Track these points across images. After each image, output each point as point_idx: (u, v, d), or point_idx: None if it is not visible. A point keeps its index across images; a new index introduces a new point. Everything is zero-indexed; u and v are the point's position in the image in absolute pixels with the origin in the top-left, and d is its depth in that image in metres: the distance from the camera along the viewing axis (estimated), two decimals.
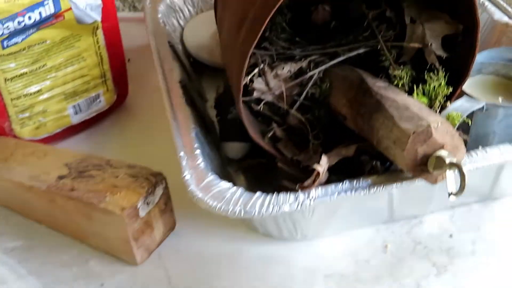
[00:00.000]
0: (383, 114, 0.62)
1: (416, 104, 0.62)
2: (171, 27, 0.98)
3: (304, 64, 0.75)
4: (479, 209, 0.73)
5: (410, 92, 0.68)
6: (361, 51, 0.73)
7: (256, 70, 0.71)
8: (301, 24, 0.82)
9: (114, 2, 0.85)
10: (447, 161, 0.55)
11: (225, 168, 0.79)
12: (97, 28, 0.83)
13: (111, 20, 0.86)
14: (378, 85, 0.67)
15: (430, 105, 0.67)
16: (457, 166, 0.54)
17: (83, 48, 0.83)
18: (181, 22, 1.02)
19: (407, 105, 0.61)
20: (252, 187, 0.74)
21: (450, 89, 0.67)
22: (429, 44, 0.67)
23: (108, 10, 0.84)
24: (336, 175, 0.67)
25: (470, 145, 0.69)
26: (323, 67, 0.73)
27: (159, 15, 0.96)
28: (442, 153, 0.56)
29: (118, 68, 0.90)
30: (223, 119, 0.83)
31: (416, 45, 0.68)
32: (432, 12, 0.69)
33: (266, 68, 0.72)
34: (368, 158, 0.67)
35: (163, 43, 0.87)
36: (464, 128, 0.67)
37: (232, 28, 0.70)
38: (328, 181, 0.65)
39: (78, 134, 0.89)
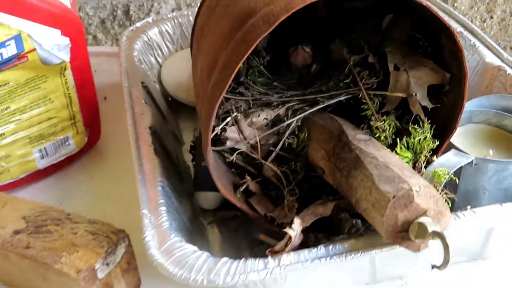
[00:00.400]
0: (362, 172, 0.56)
1: (398, 162, 0.56)
2: (148, 65, 0.93)
3: (281, 111, 0.70)
4: (469, 268, 0.68)
5: (393, 145, 0.63)
6: (342, 98, 0.68)
7: (229, 119, 0.66)
8: (280, 66, 0.77)
9: (85, 40, 0.80)
10: (430, 229, 0.49)
11: (198, 220, 0.74)
12: (65, 68, 0.78)
13: (81, 59, 0.81)
14: (359, 137, 0.62)
15: (415, 160, 0.62)
16: (440, 236, 0.49)
17: (50, 89, 0.78)
18: (159, 60, 0.97)
19: (387, 163, 0.56)
20: (225, 242, 0.69)
21: (437, 143, 0.62)
22: (414, 94, 0.62)
23: (77, 49, 0.79)
24: (313, 233, 0.62)
25: (459, 203, 0.64)
26: (302, 115, 0.68)
27: (135, 53, 0.90)
28: (425, 220, 0.50)
29: (89, 109, 0.85)
30: (198, 166, 0.78)
31: (400, 94, 0.63)
32: (417, 58, 0.64)
33: (240, 116, 0.67)
34: (348, 216, 0.62)
35: (136, 84, 0.82)
36: (453, 183, 0.62)
37: (204, 72, 0.66)
38: (304, 242, 0.60)
39: (45, 178, 0.84)
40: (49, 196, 0.80)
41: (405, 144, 0.62)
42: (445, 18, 0.90)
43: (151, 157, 0.68)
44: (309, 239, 0.62)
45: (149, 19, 0.98)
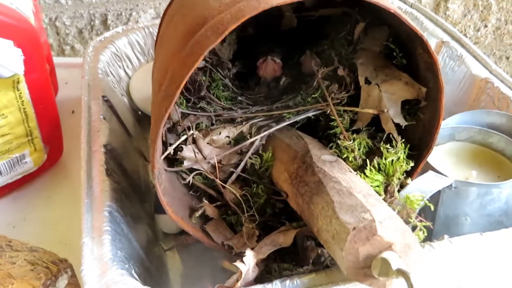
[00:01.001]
0: (323, 198, 0.50)
1: (363, 187, 0.50)
2: (115, 78, 0.87)
3: (245, 128, 0.64)
4: None
5: (364, 167, 0.56)
6: (310, 114, 0.62)
7: (184, 137, 0.60)
8: (247, 79, 0.71)
9: (41, 52, 0.75)
10: (394, 266, 0.43)
11: (157, 247, 0.68)
12: (19, 81, 0.72)
13: (39, 72, 0.75)
14: (324, 158, 0.55)
15: (387, 184, 0.55)
16: (404, 275, 0.42)
17: (2, 104, 0.73)
18: (129, 72, 0.91)
19: (352, 189, 0.49)
20: (186, 269, 0.64)
21: (411, 164, 0.56)
22: (386, 110, 0.56)
23: (33, 61, 0.73)
24: (276, 262, 0.55)
25: (439, 230, 0.57)
26: (266, 132, 0.62)
27: (101, 65, 0.84)
28: (389, 255, 0.44)
29: (49, 125, 0.79)
30: None
31: (371, 110, 0.57)
32: (391, 71, 0.58)
33: (198, 134, 0.61)
34: (313, 245, 0.55)
35: (96, 98, 0.76)
36: (430, 208, 0.55)
37: (155, 86, 0.60)
38: (268, 272, 0.54)
39: (2, 198, 0.78)
40: (1, 218, 0.73)
41: (376, 166, 0.55)
42: (431, 27, 0.84)
43: (102, 178, 0.62)
44: (272, 270, 0.56)
45: (119, 29, 0.92)
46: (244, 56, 0.72)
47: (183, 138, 0.60)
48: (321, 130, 0.63)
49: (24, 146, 0.78)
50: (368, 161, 0.57)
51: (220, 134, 0.63)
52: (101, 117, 0.73)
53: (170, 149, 0.58)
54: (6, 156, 0.76)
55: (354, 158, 0.56)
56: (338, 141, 0.57)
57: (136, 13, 1.18)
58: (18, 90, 0.74)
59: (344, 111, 0.60)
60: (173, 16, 0.65)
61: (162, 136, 0.64)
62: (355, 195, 0.48)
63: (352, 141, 0.56)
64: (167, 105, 0.51)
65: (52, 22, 1.19)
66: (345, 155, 0.56)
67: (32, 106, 0.77)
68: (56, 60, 1.05)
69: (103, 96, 0.78)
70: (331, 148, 0.59)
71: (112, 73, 0.87)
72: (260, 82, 0.69)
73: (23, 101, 0.75)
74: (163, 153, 0.59)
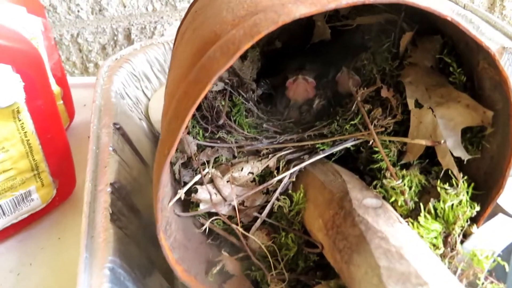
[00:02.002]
0: (366, 260, 0.39)
1: (418, 246, 0.39)
2: (132, 100, 0.78)
3: (271, 162, 0.53)
4: None
5: (416, 211, 0.45)
6: (348, 145, 0.51)
7: (197, 177, 0.49)
8: (275, 101, 0.61)
9: (46, 76, 0.66)
10: None
11: None
12: (19, 111, 0.64)
13: (43, 98, 0.67)
14: (367, 203, 0.44)
15: (446, 233, 0.44)
16: None
17: (2, 136, 0.64)
18: (147, 93, 0.82)
19: (402, 249, 0.38)
20: None
21: (477, 208, 0.44)
22: (443, 141, 0.44)
23: (36, 87, 0.65)
24: None
25: None
26: (296, 168, 0.51)
27: (115, 87, 0.75)
28: None
29: (57, 156, 0.71)
30: None
31: (423, 142, 0.45)
32: (447, 91, 0.47)
33: (215, 172, 0.51)
34: None
35: (107, 125, 0.67)
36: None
37: (163, 114, 0.50)
38: None
39: (3, 242, 0.69)
40: (5, 264, 0.65)
41: (432, 211, 0.44)
42: (489, 31, 0.71)
43: (106, 226, 0.53)
44: None
45: (136, 45, 0.83)
46: (271, 73, 0.61)
47: (197, 178, 0.49)
48: (362, 163, 0.51)
49: (29, 181, 0.69)
50: (421, 205, 0.45)
51: (242, 170, 0.52)
52: (111, 148, 0.63)
53: (180, 193, 0.48)
54: (9, 194, 0.68)
55: (404, 202, 0.44)
56: (384, 181, 0.45)
57: (161, 25, 1.09)
58: (20, 120, 0.65)
59: (390, 141, 0.48)
60: (185, 32, 0.56)
61: (175, 174, 0.54)
62: (407, 258, 0.37)
63: (400, 180, 0.45)
64: (169, 145, 0.41)
65: (74, 38, 1.11)
66: (392, 199, 0.45)
67: (37, 137, 0.68)
68: (73, 80, 0.97)
69: (114, 124, 0.68)
70: (375, 187, 0.47)
71: (128, 95, 0.78)
72: (290, 104, 0.59)
73: (25, 132, 0.67)
74: (173, 196, 0.49)
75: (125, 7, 1.09)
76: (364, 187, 0.47)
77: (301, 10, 0.38)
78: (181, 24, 0.62)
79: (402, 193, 0.45)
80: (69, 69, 1.16)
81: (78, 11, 1.09)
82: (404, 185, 0.45)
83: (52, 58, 0.82)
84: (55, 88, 0.82)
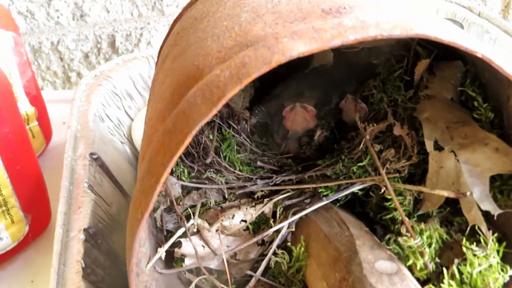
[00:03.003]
0: None
1: None
2: (113, 122, 0.71)
3: (267, 208, 0.46)
4: None
5: (437, 274, 0.38)
6: (355, 189, 0.44)
7: (181, 231, 0.43)
8: (270, 130, 0.54)
9: (13, 99, 0.59)
10: None
11: None
12: None
13: (10, 125, 0.60)
14: (380, 268, 0.38)
15: None
16: None
17: None
18: (131, 113, 0.75)
19: None
20: None
21: (510, 271, 0.37)
22: (468, 193, 0.38)
23: (0, 113, 0.58)
24: None
25: None
26: (296, 217, 0.44)
27: (92, 108, 0.69)
28: None
29: (29, 189, 0.64)
30: None
31: (445, 193, 0.39)
32: (472, 130, 0.40)
33: (201, 223, 0.44)
34: None
35: (82, 156, 0.60)
36: None
37: (139, 159, 0.44)
38: None
39: None
40: None
41: (457, 275, 0.37)
42: (508, 42, 0.64)
43: (77, 284, 0.46)
44: None
45: (118, 60, 0.76)
46: (266, 99, 0.54)
47: (180, 231, 0.43)
48: (372, 210, 0.45)
49: None
50: (443, 267, 0.39)
51: (233, 217, 0.46)
52: (86, 185, 0.57)
53: (161, 253, 0.41)
54: None
55: (424, 265, 0.38)
56: (400, 239, 0.39)
57: (147, 32, 1.03)
58: None
59: (405, 189, 0.42)
60: (167, 56, 0.49)
61: (156, 221, 0.47)
62: None
63: (419, 239, 0.38)
64: (143, 208, 0.35)
65: (54, 46, 1.04)
66: (410, 261, 0.38)
67: (5, 170, 0.62)
68: (51, 95, 0.91)
69: (91, 154, 0.62)
70: (387, 242, 0.41)
71: (109, 117, 0.71)
72: (288, 135, 0.52)
73: None
74: (153, 253, 0.43)
75: (108, 12, 1.02)
76: (375, 244, 0.41)
77: (299, 48, 0.31)
78: (163, 44, 0.55)
79: (422, 254, 0.38)
80: (50, 78, 1.09)
81: (58, 17, 1.02)
82: (423, 244, 0.39)
83: (24, 76, 0.75)
84: (29, 109, 0.75)
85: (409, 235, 0.40)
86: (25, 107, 0.74)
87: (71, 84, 1.11)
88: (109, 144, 0.68)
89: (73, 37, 1.06)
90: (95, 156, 0.62)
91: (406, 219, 0.40)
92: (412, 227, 0.40)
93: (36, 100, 0.78)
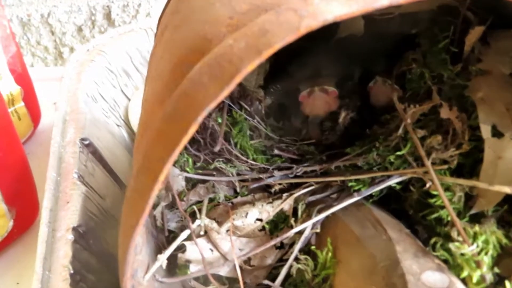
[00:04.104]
0: None
1: None
2: (108, 103, 0.65)
3: (287, 204, 0.40)
4: None
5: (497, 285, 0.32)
6: (392, 182, 0.38)
7: (184, 233, 0.37)
8: (288, 111, 0.48)
9: None
10: None
11: None
12: None
13: None
14: (428, 281, 0.33)
15: None
16: None
17: None
18: (127, 92, 0.69)
19: None
20: None
21: None
22: None
23: None
24: None
25: None
26: (322, 216, 0.38)
27: (84, 88, 0.62)
28: None
29: (13, 180, 0.59)
30: None
31: (507, 190, 0.32)
32: None
33: (209, 223, 0.38)
34: None
35: (72, 143, 0.54)
36: None
37: (135, 151, 0.38)
38: None
39: None
40: None
41: None
42: None
43: None
44: None
45: (113, 33, 0.70)
46: (282, 75, 0.48)
47: (184, 234, 0.37)
48: (412, 207, 0.39)
49: None
50: (503, 278, 0.32)
51: (246, 216, 0.40)
52: (76, 175, 0.51)
53: (161, 261, 0.35)
54: None
55: (482, 278, 0.32)
56: (451, 245, 0.32)
57: (146, 2, 0.96)
58: None
59: (455, 184, 0.35)
60: (166, 27, 0.42)
61: (156, 220, 0.41)
62: None
63: (475, 245, 0.32)
64: (138, 213, 0.29)
65: (44, 19, 0.98)
66: (465, 273, 0.32)
67: None
68: (40, 73, 0.84)
69: (82, 140, 0.55)
70: (433, 247, 0.35)
71: (102, 97, 0.65)
72: (308, 120, 0.46)
73: None
74: (152, 260, 0.37)
75: None
76: (420, 251, 0.35)
77: (335, 10, 0.25)
78: (163, 12, 0.49)
79: (479, 265, 0.32)
80: (40, 54, 1.03)
81: None
82: (480, 250, 0.33)
83: (8, 51, 0.69)
84: (14, 88, 0.69)
85: (461, 239, 0.33)
86: (9, 86, 0.68)
87: (64, 60, 1.05)
88: (103, 128, 0.61)
89: (64, 8, 0.99)
90: (86, 142, 0.56)
91: (458, 220, 0.34)
92: (464, 229, 0.34)
93: (22, 78, 0.71)
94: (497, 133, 0.35)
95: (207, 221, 0.39)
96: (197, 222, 0.39)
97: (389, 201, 0.41)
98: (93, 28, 1.02)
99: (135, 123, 0.67)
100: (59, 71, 0.89)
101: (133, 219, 0.29)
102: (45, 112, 0.79)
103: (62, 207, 0.49)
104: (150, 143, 0.30)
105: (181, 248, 0.40)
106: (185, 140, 0.27)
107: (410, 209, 0.40)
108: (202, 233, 0.39)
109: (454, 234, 0.35)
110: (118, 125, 0.66)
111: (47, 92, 0.81)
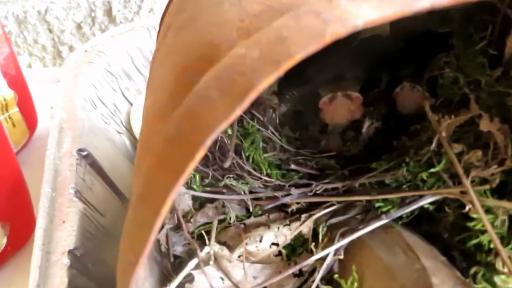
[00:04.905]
0: None
1: None
2: (108, 108, 0.62)
3: (306, 227, 0.37)
4: None
5: None
6: (424, 203, 0.34)
7: (192, 263, 0.34)
8: (305, 120, 0.44)
9: None
10: None
11: None
12: None
13: None
14: None
15: None
16: None
17: None
18: (129, 96, 0.66)
19: None
20: None
21: None
22: None
23: None
24: None
25: None
26: (346, 241, 0.35)
27: (82, 91, 0.59)
28: None
29: (6, 192, 0.55)
30: None
31: None
32: None
33: (219, 250, 0.35)
34: None
35: (68, 154, 0.51)
36: None
37: (135, 170, 0.34)
38: None
39: None
40: None
41: None
42: None
43: None
44: None
45: (113, 32, 0.67)
46: (297, 80, 0.44)
47: (191, 263, 0.34)
48: (447, 230, 0.35)
49: None
50: None
51: (261, 240, 0.37)
52: (72, 191, 0.48)
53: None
54: None
55: None
56: (496, 279, 0.29)
57: None
58: None
59: (498, 207, 0.32)
60: (168, 28, 0.39)
61: (160, 244, 0.38)
62: None
63: None
64: (138, 249, 0.25)
65: (41, 16, 0.95)
66: None
67: None
68: (38, 74, 0.82)
69: (79, 151, 0.52)
70: (474, 278, 0.31)
71: (102, 102, 0.62)
72: (328, 129, 0.42)
73: None
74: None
75: None
76: (458, 283, 0.31)
77: (366, 14, 0.22)
78: (165, 11, 0.46)
79: None
80: (38, 53, 1.00)
81: None
82: None
83: (1, 52, 0.66)
84: (7, 93, 0.66)
85: (507, 271, 0.30)
86: (2, 91, 0.65)
87: (63, 60, 1.02)
88: (102, 136, 0.58)
89: (62, 4, 0.96)
90: (84, 153, 0.53)
91: (502, 248, 0.30)
92: (510, 258, 0.31)
93: (16, 81, 0.68)
94: None
95: (217, 247, 0.36)
96: (206, 249, 0.36)
97: (420, 222, 0.38)
98: (93, 26, 0.99)
99: (137, 130, 0.64)
100: (57, 72, 0.86)
101: (132, 256, 0.26)
102: (43, 117, 0.75)
103: (58, 226, 0.46)
104: (151, 169, 0.27)
105: (189, 277, 0.37)
106: (191, 167, 0.24)
107: (445, 232, 0.37)
108: (211, 262, 0.36)
109: (498, 265, 0.31)
110: (119, 132, 0.63)
111: (44, 95, 0.78)
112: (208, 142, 0.23)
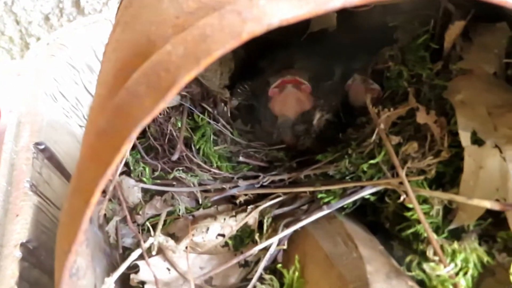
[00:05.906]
0: None
1: None
2: (70, 102, 0.64)
3: (251, 218, 0.39)
4: None
5: None
6: (365, 194, 0.37)
7: (136, 253, 0.36)
8: (257, 114, 0.46)
9: None
10: None
11: None
12: None
13: None
14: None
15: None
16: None
17: None
18: (91, 89, 0.67)
19: None
20: None
21: None
22: None
23: None
24: None
25: None
26: (289, 231, 0.37)
27: (42, 85, 0.61)
28: None
29: None
30: None
31: (487, 204, 0.31)
32: None
33: (164, 241, 0.37)
34: None
35: (25, 148, 0.53)
36: None
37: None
38: None
39: None
40: None
41: None
42: None
43: None
44: None
45: (76, 24, 0.68)
46: (251, 74, 0.46)
47: (135, 254, 0.36)
48: (388, 220, 0.37)
49: None
50: None
51: (207, 231, 0.39)
52: (27, 184, 0.49)
53: (108, 285, 0.34)
54: None
55: None
56: (425, 265, 0.31)
57: None
58: None
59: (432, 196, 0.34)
60: (118, 23, 0.41)
61: (109, 236, 0.40)
62: None
63: (452, 265, 0.31)
64: (70, 237, 0.27)
65: (8, 7, 0.96)
66: None
67: None
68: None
69: (37, 144, 0.54)
70: (408, 266, 0.34)
71: (63, 95, 0.64)
72: (278, 122, 0.44)
73: None
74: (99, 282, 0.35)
75: None
76: (392, 271, 0.34)
77: (282, 13, 0.24)
78: (119, 5, 0.47)
79: (455, 287, 0.31)
80: (5, 45, 1.01)
81: None
82: (458, 271, 0.32)
83: None
84: None
85: (437, 259, 0.32)
86: None
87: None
88: (63, 130, 0.60)
89: None
90: (41, 147, 0.55)
91: (434, 237, 0.33)
92: (442, 247, 0.33)
93: None
94: (477, 140, 0.34)
95: (161, 238, 0.38)
96: (150, 240, 0.38)
97: (365, 212, 0.40)
98: (61, 17, 1.00)
99: None
100: (19, 65, 0.88)
101: (66, 245, 0.28)
102: (7, 112, 0.77)
103: (11, 220, 0.47)
104: (83, 162, 0.28)
105: (135, 268, 0.39)
106: (117, 160, 0.26)
107: (387, 222, 0.39)
108: (154, 253, 0.38)
109: (430, 252, 0.33)
110: (81, 126, 0.65)
111: (8, 88, 0.79)
112: (134, 135, 0.25)
